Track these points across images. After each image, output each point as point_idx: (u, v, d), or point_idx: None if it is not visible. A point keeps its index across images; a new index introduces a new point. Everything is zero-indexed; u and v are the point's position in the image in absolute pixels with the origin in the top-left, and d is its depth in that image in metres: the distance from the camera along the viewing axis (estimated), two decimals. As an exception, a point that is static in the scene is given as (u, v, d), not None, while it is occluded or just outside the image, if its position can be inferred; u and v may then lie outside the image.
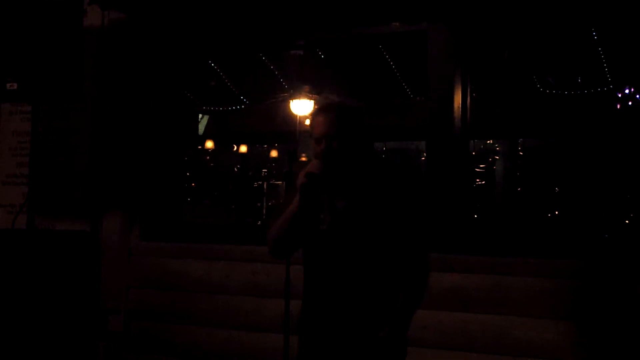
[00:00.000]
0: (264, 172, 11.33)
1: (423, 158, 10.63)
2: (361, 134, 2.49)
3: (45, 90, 3.99)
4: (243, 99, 10.05)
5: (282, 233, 2.53)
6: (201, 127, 10.96)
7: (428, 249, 2.58)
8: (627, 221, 9.21)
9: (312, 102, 9.93)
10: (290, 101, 9.96)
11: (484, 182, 11.04)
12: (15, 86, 3.96)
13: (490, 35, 4.84)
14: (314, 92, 9.95)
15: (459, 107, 4.18)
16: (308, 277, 2.59)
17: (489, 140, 11.03)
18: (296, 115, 10.07)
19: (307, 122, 2.59)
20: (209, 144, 11.27)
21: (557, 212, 10.16)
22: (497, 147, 11.18)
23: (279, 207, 2.61)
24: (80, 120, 4.99)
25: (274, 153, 11.55)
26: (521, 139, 10.71)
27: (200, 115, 9.70)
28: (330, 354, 2.49)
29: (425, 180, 4.23)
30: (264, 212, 9.77)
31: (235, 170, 11.41)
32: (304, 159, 11.23)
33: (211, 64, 6.23)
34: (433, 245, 4.01)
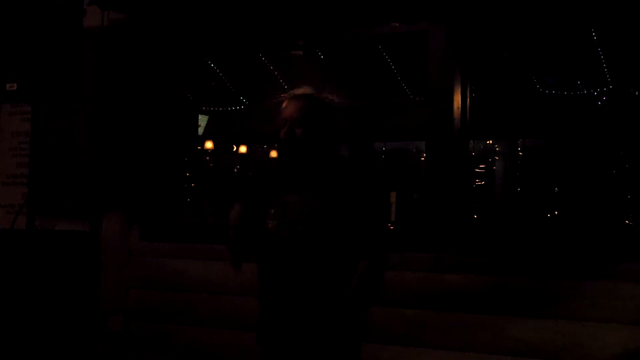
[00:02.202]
0: (264, 172, 11.32)
1: (423, 158, 10.63)
2: (328, 130, 2.44)
3: (45, 90, 4.00)
4: (243, 99, 10.05)
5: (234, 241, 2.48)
6: (201, 128, 10.96)
7: (386, 248, 2.50)
8: (627, 221, 9.21)
9: (312, 102, 9.93)
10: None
11: (483, 182, 11.03)
12: (15, 86, 3.97)
13: (490, 36, 4.84)
14: (313, 92, 9.95)
15: (458, 107, 4.18)
16: (262, 278, 2.51)
17: (489, 140, 11.03)
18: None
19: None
20: (209, 145, 11.27)
21: (557, 213, 10.16)
22: (497, 147, 11.18)
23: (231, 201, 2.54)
24: (80, 120, 4.99)
25: (273, 153, 11.54)
26: (521, 139, 10.71)
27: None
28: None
29: (425, 180, 4.24)
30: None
31: (235, 170, 11.41)
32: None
33: (211, 64, 6.22)
34: (433, 245, 4.04)
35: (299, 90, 2.49)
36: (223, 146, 10.81)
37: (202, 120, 10.40)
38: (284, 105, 2.44)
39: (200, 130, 10.93)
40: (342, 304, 2.41)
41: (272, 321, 2.45)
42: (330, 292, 2.39)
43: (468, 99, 4.25)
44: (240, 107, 10.10)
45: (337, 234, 2.38)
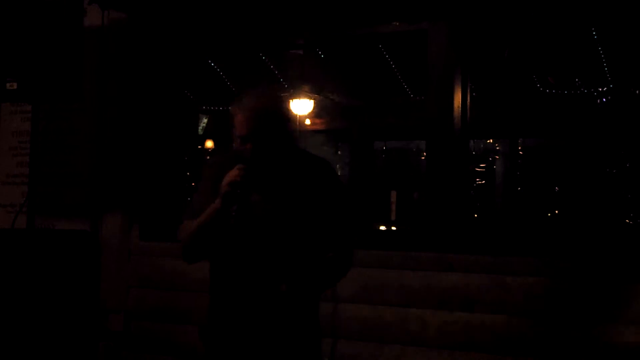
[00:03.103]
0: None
1: (423, 157, 10.65)
2: (283, 127, 2.36)
3: (45, 90, 3.99)
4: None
5: (198, 238, 2.40)
6: (201, 127, 10.98)
7: (352, 243, 2.49)
8: (627, 220, 9.22)
9: (312, 101, 9.95)
10: (290, 101, 9.97)
11: (484, 182, 11.05)
12: (15, 86, 3.96)
13: (491, 35, 4.85)
14: (314, 91, 9.97)
15: (459, 106, 4.18)
16: (220, 277, 2.45)
17: (489, 139, 11.05)
18: (296, 115, 10.08)
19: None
20: (209, 144, 11.29)
21: (557, 212, 10.17)
22: (497, 146, 11.20)
23: (192, 206, 2.47)
24: (80, 120, 4.99)
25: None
26: (521, 139, 10.72)
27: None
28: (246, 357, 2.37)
29: (426, 180, 4.24)
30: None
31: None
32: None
33: (211, 63, 6.23)
34: (433, 244, 4.04)
35: (247, 97, 2.38)
36: (223, 145, 10.83)
37: (203, 119, 10.42)
38: (236, 116, 2.35)
39: (201, 129, 10.94)
40: (306, 304, 2.40)
41: (229, 320, 2.40)
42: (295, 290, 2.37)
43: (468, 98, 4.25)
44: (240, 107, 10.05)
45: (302, 230, 2.36)
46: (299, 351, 2.39)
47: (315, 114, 10.72)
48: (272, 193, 2.36)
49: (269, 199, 2.36)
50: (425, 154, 7.58)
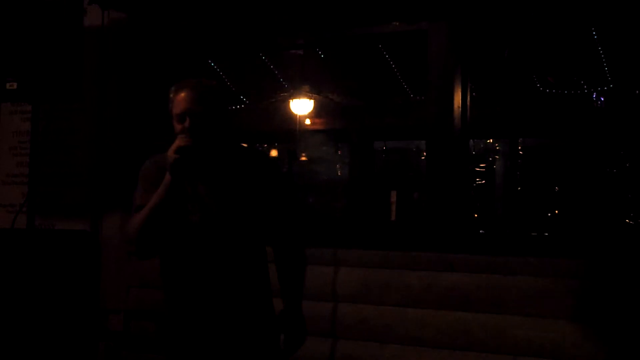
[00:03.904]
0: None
1: (423, 157, 10.64)
2: (222, 114, 2.38)
3: (45, 90, 3.99)
4: (243, 98, 10.06)
5: (150, 224, 2.27)
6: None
7: (302, 236, 2.51)
8: (627, 220, 9.22)
9: (312, 101, 9.95)
10: (290, 101, 9.96)
11: (484, 182, 11.04)
12: (15, 86, 3.96)
13: (490, 35, 4.85)
14: (313, 91, 9.97)
15: (459, 106, 4.18)
16: (175, 274, 2.38)
17: (489, 139, 11.05)
18: (296, 115, 10.08)
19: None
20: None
21: (557, 212, 10.17)
22: (497, 146, 11.19)
23: (135, 202, 2.39)
24: (80, 120, 4.99)
25: (274, 152, 11.55)
26: (521, 138, 10.72)
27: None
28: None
29: (426, 180, 4.24)
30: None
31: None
32: (303, 158, 11.22)
33: (211, 63, 6.23)
34: (433, 244, 4.04)
35: (187, 80, 2.42)
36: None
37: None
38: (174, 97, 2.37)
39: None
40: (261, 296, 2.41)
41: (185, 315, 2.37)
42: (249, 283, 2.38)
43: (468, 98, 4.25)
44: (240, 106, 10.10)
45: (249, 220, 2.37)
46: (256, 345, 2.38)
47: (315, 114, 10.72)
48: (217, 183, 2.35)
49: (215, 190, 2.34)
50: (425, 154, 7.58)
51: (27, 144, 4.42)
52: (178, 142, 2.25)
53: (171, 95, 2.39)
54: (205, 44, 5.00)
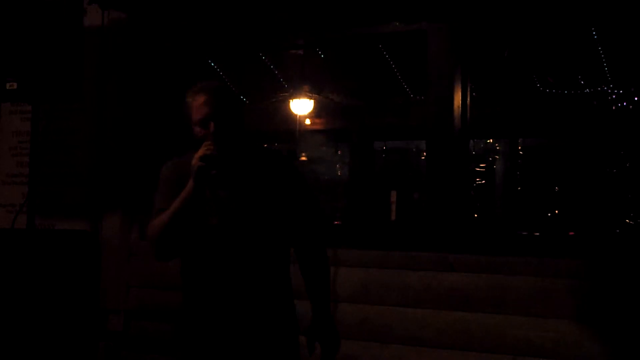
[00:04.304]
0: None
1: (423, 157, 10.65)
2: (241, 117, 2.38)
3: (45, 90, 3.99)
4: (243, 98, 10.06)
5: (171, 228, 2.29)
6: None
7: (324, 236, 2.50)
8: (627, 220, 9.22)
9: (312, 101, 9.95)
10: (290, 101, 9.97)
11: (484, 182, 11.04)
12: (15, 86, 3.96)
13: (490, 35, 4.85)
14: (314, 91, 9.97)
15: (459, 106, 4.18)
16: (195, 277, 2.41)
17: (489, 139, 11.05)
18: (296, 115, 10.09)
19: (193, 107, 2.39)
20: (209, 144, 11.26)
21: (557, 212, 10.17)
22: (497, 146, 11.20)
23: (156, 206, 2.39)
24: (80, 120, 4.99)
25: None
26: (521, 138, 10.73)
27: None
28: None
29: (426, 180, 4.24)
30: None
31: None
32: (303, 158, 11.22)
33: (211, 63, 6.23)
34: (433, 244, 4.04)
35: (204, 83, 2.39)
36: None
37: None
38: (193, 103, 2.34)
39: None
40: (281, 299, 2.40)
41: (204, 318, 2.38)
42: (269, 286, 2.37)
43: (468, 98, 4.25)
44: (240, 107, 10.05)
45: (269, 222, 2.36)
46: (277, 349, 2.38)
47: (315, 114, 10.73)
48: (236, 186, 2.34)
49: (235, 192, 2.33)
50: (425, 154, 7.57)
51: (27, 144, 4.43)
52: (203, 150, 2.23)
53: (189, 100, 2.36)
54: (205, 44, 5.00)
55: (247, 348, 2.33)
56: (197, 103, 2.32)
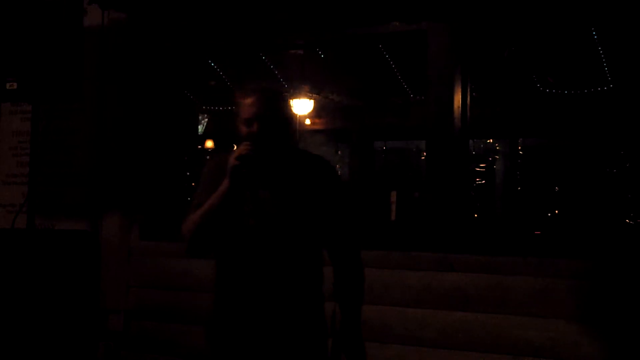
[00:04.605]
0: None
1: (423, 157, 10.64)
2: (288, 120, 2.42)
3: (45, 90, 3.99)
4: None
5: (205, 225, 2.33)
6: (201, 127, 10.97)
7: (359, 243, 2.51)
8: (627, 220, 9.22)
9: (312, 101, 9.95)
10: (290, 101, 9.97)
11: (484, 182, 11.04)
12: (15, 86, 3.96)
13: (491, 35, 4.85)
14: (314, 91, 9.97)
15: (459, 106, 4.18)
16: (229, 276, 2.43)
17: (490, 139, 11.05)
18: (296, 115, 10.08)
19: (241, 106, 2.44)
20: (209, 144, 11.28)
21: (557, 212, 10.17)
22: (497, 146, 11.20)
23: (194, 201, 2.43)
24: (80, 120, 4.99)
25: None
26: (521, 138, 10.72)
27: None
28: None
29: (426, 180, 4.24)
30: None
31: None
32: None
33: (211, 64, 6.23)
34: (433, 244, 4.04)
35: (254, 84, 2.43)
36: (223, 145, 10.83)
37: (203, 119, 10.41)
38: (242, 102, 2.37)
39: (201, 129, 10.93)
40: (312, 302, 2.41)
41: (235, 317, 2.39)
42: (301, 289, 2.38)
43: (468, 98, 4.24)
44: (240, 107, 10.05)
45: (305, 226, 2.37)
46: (306, 351, 2.39)
47: (315, 114, 10.73)
48: (277, 189, 2.36)
49: (274, 195, 2.35)
50: (425, 154, 7.58)
51: (27, 144, 4.43)
52: (241, 150, 2.27)
53: (240, 98, 2.39)
54: (205, 44, 5.00)
55: (276, 348, 2.35)
56: (246, 102, 2.36)
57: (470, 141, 4.71)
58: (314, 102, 10.05)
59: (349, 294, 2.46)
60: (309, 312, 2.39)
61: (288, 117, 2.43)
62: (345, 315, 2.43)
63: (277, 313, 2.34)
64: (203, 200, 2.36)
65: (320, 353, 2.42)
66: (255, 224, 2.33)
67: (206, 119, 10.96)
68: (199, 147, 10.91)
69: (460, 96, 4.19)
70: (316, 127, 11.07)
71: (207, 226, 2.34)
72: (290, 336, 2.35)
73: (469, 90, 4.26)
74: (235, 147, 2.32)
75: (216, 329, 2.45)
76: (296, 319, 2.36)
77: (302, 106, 9.86)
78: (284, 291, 2.34)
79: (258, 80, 2.50)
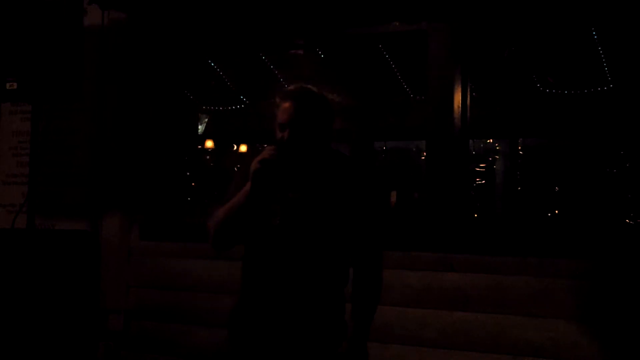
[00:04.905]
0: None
1: (423, 157, 10.64)
2: (325, 124, 2.42)
3: (45, 89, 4.00)
4: (243, 98, 10.05)
5: (227, 222, 2.39)
6: (201, 127, 10.97)
7: (383, 247, 2.51)
8: (627, 220, 9.21)
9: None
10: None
11: (484, 182, 11.04)
12: (15, 86, 3.96)
13: (491, 35, 4.84)
14: (308, 86, 9.95)
15: (459, 106, 4.18)
16: (252, 273, 2.45)
17: (489, 139, 11.04)
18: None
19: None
20: (209, 144, 11.28)
21: (557, 212, 10.17)
22: (497, 146, 11.19)
23: (221, 199, 2.47)
24: (80, 120, 4.99)
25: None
26: (521, 138, 10.71)
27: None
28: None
29: (426, 180, 4.24)
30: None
31: (235, 169, 11.40)
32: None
33: (211, 63, 6.23)
34: (433, 244, 4.04)
35: (294, 87, 2.45)
36: (223, 145, 10.83)
37: (203, 119, 10.41)
38: (281, 104, 2.39)
39: (201, 130, 10.93)
40: (338, 304, 2.45)
41: (262, 318, 2.41)
42: (328, 289, 2.42)
43: (468, 98, 4.25)
44: (240, 106, 10.10)
45: (339, 230, 2.38)
46: (325, 352, 2.41)
47: (315, 114, 10.69)
48: (308, 191, 2.37)
49: (306, 197, 2.36)
50: (425, 154, 7.57)
51: (27, 144, 4.43)
52: (264, 154, 2.30)
53: (277, 101, 2.41)
54: (205, 44, 5.00)
55: (297, 349, 2.37)
56: (282, 106, 2.38)
57: (470, 141, 4.71)
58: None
59: (365, 299, 2.48)
60: (329, 313, 2.42)
61: (324, 122, 2.41)
62: (356, 319, 2.46)
63: (298, 314, 2.36)
64: (231, 197, 2.41)
65: (335, 355, 2.43)
66: (280, 223, 2.35)
67: (206, 119, 10.96)
68: (199, 147, 10.90)
69: (460, 96, 4.19)
70: (316, 127, 11.04)
71: (230, 223, 2.39)
72: (310, 337, 2.37)
73: (469, 90, 4.26)
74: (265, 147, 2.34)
75: (239, 327, 2.47)
76: (317, 320, 2.38)
77: (302, 106, 9.84)
78: (305, 292, 2.36)
79: (299, 82, 2.49)
